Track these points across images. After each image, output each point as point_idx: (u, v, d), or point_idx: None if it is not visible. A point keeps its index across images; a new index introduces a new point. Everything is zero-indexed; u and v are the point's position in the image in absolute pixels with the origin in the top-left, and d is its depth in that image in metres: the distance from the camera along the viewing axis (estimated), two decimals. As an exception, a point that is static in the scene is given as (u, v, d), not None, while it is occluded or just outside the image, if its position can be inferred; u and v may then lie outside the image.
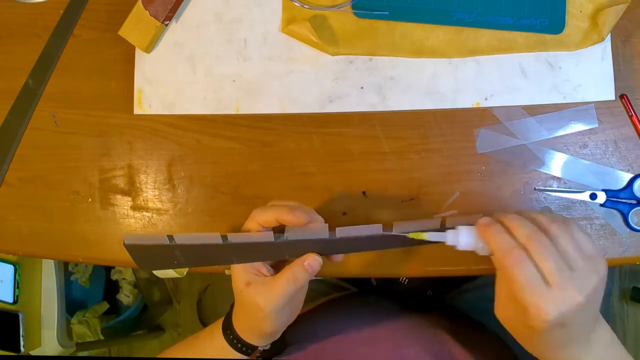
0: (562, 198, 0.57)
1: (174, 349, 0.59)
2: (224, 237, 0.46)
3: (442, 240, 0.46)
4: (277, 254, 0.48)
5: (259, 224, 0.47)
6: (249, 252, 0.47)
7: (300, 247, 0.47)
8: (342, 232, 0.46)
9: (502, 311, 0.44)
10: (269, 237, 0.46)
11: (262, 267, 0.48)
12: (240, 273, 0.48)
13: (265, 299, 0.46)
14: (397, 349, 0.57)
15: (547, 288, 0.40)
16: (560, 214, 0.57)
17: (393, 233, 0.45)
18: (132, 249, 0.47)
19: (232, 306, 0.53)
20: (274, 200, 0.50)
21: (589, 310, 0.42)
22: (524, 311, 0.40)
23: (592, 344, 0.45)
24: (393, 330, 0.59)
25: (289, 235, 0.46)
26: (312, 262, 0.46)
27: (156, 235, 0.46)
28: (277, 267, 0.49)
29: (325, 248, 0.47)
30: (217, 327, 0.53)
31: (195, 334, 0.57)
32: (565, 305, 0.40)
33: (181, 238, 0.46)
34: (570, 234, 0.42)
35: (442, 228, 0.46)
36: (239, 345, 0.51)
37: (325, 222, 0.48)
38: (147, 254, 0.48)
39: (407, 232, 0.46)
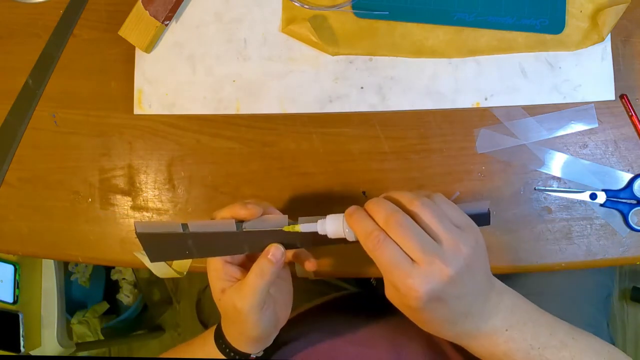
0: (562, 198, 0.57)
1: (166, 356, 0.59)
2: (239, 225, 0.46)
3: (314, 230, 0.46)
4: (239, 246, 0.47)
5: None
6: (263, 242, 0.47)
7: (261, 239, 0.47)
8: (303, 221, 0.46)
9: (388, 292, 0.43)
10: (231, 225, 0.46)
11: (236, 272, 0.48)
12: (215, 283, 0.48)
13: (241, 300, 0.46)
14: (392, 349, 0.56)
15: (414, 266, 0.40)
16: (563, 212, 0.58)
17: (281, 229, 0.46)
18: (144, 238, 0.46)
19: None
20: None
21: (467, 281, 0.41)
22: (399, 291, 0.40)
23: (490, 313, 0.44)
24: (388, 331, 0.59)
25: (246, 225, 0.46)
26: (275, 252, 0.46)
27: (169, 223, 0.46)
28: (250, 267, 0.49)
29: (286, 239, 0.47)
30: (209, 336, 0.53)
31: (187, 342, 0.57)
32: (435, 279, 0.39)
33: (195, 225, 0.46)
34: (434, 207, 0.42)
35: (314, 218, 0.46)
36: (232, 353, 0.51)
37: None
38: (158, 244, 0.47)
39: (283, 226, 0.46)
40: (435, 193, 0.44)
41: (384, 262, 0.40)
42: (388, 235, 0.41)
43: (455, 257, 0.40)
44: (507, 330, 0.44)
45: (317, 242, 0.48)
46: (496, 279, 0.46)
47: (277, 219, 0.47)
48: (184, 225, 0.46)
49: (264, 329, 0.49)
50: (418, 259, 0.39)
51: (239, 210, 0.46)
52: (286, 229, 0.46)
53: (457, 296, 0.41)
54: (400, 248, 0.40)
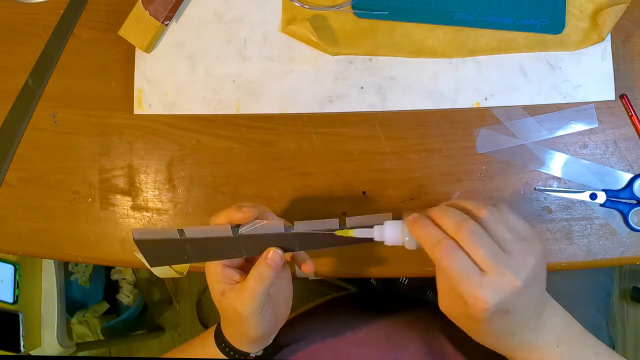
0: (562, 198, 0.57)
1: (167, 356, 0.59)
2: (235, 229, 0.46)
3: (370, 236, 0.45)
4: (237, 250, 0.47)
5: None
6: (261, 245, 0.47)
7: (258, 243, 0.47)
8: (299, 226, 0.46)
9: (444, 303, 0.43)
10: (227, 231, 0.46)
11: (235, 274, 0.48)
12: (214, 285, 0.48)
13: (241, 303, 0.46)
14: (392, 350, 0.56)
15: (483, 275, 0.38)
16: (563, 212, 0.58)
17: (329, 231, 0.45)
18: (142, 244, 0.46)
19: None
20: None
21: (531, 292, 0.40)
22: (464, 302, 0.39)
23: (543, 327, 0.43)
24: (388, 332, 0.59)
25: (243, 229, 0.46)
26: (273, 257, 0.46)
27: (165, 229, 0.46)
28: (249, 269, 0.49)
29: (283, 242, 0.47)
30: (209, 336, 0.53)
31: (188, 342, 0.57)
32: (505, 291, 0.38)
33: (191, 231, 0.46)
34: (501, 216, 0.41)
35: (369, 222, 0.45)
36: (231, 352, 0.51)
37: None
38: (157, 249, 0.47)
39: (335, 230, 0.45)
40: (500, 202, 0.43)
41: (453, 272, 0.39)
42: (457, 244, 0.40)
43: (523, 269, 0.39)
44: (558, 346, 0.44)
45: (314, 245, 0.48)
46: (547, 294, 0.45)
47: (273, 224, 0.47)
48: (180, 231, 0.46)
49: (263, 330, 0.49)
50: (489, 269, 0.38)
51: (234, 214, 0.46)
52: (339, 233, 0.45)
53: (521, 308, 0.40)
54: (470, 257, 0.39)
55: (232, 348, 0.51)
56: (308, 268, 0.52)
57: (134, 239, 0.46)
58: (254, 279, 0.46)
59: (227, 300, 0.47)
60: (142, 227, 0.46)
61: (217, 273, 0.48)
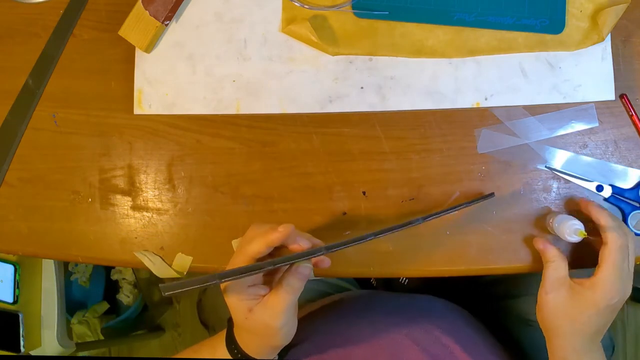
0: (562, 198, 0.57)
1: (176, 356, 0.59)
2: (271, 264, 0.46)
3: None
4: (264, 269, 0.48)
5: (252, 258, 0.48)
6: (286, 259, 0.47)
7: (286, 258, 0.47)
8: (332, 245, 0.47)
9: (552, 292, 0.51)
10: (267, 265, 0.46)
11: (260, 290, 0.48)
12: (238, 304, 0.48)
13: (273, 317, 0.47)
14: (397, 351, 0.56)
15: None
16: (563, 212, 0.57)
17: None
18: (172, 295, 0.46)
19: (229, 321, 0.53)
20: (252, 226, 0.50)
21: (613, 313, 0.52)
22: (596, 287, 0.49)
23: (598, 345, 0.53)
24: (393, 332, 0.59)
25: (279, 261, 0.46)
26: (303, 270, 0.47)
27: (200, 278, 0.44)
28: (269, 281, 0.50)
29: (310, 252, 0.48)
30: (219, 343, 0.53)
31: (194, 347, 0.57)
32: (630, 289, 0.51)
33: (227, 275, 0.44)
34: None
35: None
36: None
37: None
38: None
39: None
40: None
41: (621, 259, 0.50)
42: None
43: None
44: None
45: (339, 247, 0.48)
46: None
47: (310, 250, 0.47)
48: (218, 277, 0.44)
49: (289, 337, 0.50)
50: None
51: (271, 236, 0.47)
52: (580, 234, 0.52)
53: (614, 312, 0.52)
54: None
55: (249, 358, 0.51)
56: (324, 264, 0.52)
57: (163, 294, 0.44)
58: (286, 292, 0.46)
59: (255, 316, 0.47)
60: (170, 283, 0.45)
61: (240, 294, 0.48)
